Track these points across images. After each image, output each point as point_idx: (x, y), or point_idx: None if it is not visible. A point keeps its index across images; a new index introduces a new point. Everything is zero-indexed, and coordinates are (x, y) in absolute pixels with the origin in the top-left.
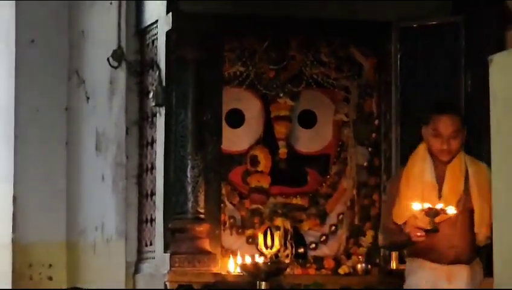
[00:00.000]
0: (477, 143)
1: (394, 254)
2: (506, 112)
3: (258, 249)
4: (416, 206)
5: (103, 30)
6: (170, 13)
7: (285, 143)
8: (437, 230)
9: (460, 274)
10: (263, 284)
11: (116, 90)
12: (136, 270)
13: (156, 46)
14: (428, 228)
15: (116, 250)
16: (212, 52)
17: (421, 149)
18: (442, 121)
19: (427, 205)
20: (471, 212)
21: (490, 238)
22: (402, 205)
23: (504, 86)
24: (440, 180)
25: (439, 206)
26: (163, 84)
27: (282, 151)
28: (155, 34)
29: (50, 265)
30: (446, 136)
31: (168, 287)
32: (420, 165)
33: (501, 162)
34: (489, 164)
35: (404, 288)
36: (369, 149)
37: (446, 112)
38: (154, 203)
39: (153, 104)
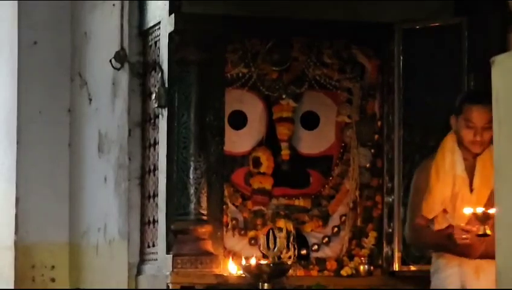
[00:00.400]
0: None
1: (397, 255)
2: (508, 113)
3: (260, 251)
4: (468, 210)
5: (106, 32)
6: (173, 14)
7: (287, 144)
8: (488, 235)
9: (489, 269)
10: (266, 286)
11: (118, 91)
12: (139, 272)
13: (159, 48)
14: (480, 232)
15: (119, 251)
16: (214, 53)
17: (449, 140)
18: (475, 112)
19: (480, 209)
20: None
21: None
22: (433, 198)
23: (506, 87)
24: (470, 172)
25: (492, 211)
26: (166, 85)
27: (285, 152)
28: (158, 36)
29: (52, 266)
30: (480, 127)
31: (171, 289)
32: (450, 157)
33: (503, 163)
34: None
35: (432, 287)
36: (372, 150)
37: (480, 102)
38: (157, 204)
39: (156, 105)
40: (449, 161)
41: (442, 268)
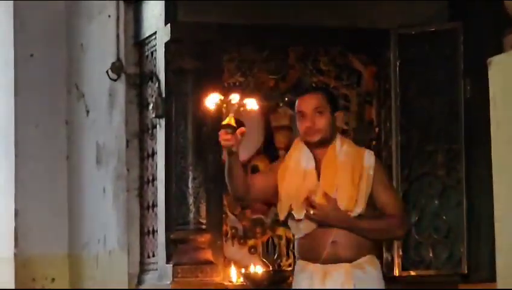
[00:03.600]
0: (477, 148)
1: (397, 261)
2: (506, 114)
3: (260, 259)
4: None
5: (102, 43)
6: (169, 24)
7: (285, 152)
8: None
9: (336, 274)
10: None
11: (115, 102)
12: (139, 282)
13: (155, 58)
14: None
15: (119, 262)
16: (211, 62)
17: (296, 142)
18: (303, 100)
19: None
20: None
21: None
22: (282, 200)
23: (503, 88)
24: (318, 169)
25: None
26: (163, 95)
27: None
28: (154, 46)
29: (53, 279)
30: (309, 113)
31: None
32: (297, 155)
33: (501, 165)
34: (490, 167)
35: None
36: None
37: (306, 92)
38: (156, 214)
39: (153, 115)
40: (295, 158)
41: (299, 272)
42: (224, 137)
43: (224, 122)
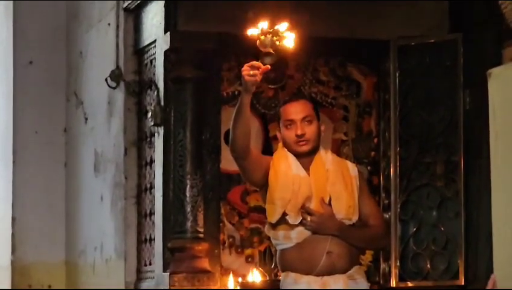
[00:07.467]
0: (476, 159)
1: (394, 272)
2: (505, 125)
3: (257, 268)
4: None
5: (101, 51)
6: (168, 33)
7: None
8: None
9: (335, 285)
10: None
11: (114, 110)
12: None
13: (154, 66)
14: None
15: (116, 270)
16: (210, 71)
17: (280, 149)
18: (292, 107)
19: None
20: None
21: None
22: (275, 203)
23: (502, 99)
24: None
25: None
26: (162, 103)
27: None
28: (153, 54)
29: (49, 286)
30: (298, 121)
31: None
32: (285, 162)
33: (500, 176)
34: (488, 177)
35: None
36: (368, 168)
37: (293, 100)
38: (153, 223)
39: (152, 124)
40: (285, 164)
41: (291, 284)
42: (249, 72)
43: (266, 50)
